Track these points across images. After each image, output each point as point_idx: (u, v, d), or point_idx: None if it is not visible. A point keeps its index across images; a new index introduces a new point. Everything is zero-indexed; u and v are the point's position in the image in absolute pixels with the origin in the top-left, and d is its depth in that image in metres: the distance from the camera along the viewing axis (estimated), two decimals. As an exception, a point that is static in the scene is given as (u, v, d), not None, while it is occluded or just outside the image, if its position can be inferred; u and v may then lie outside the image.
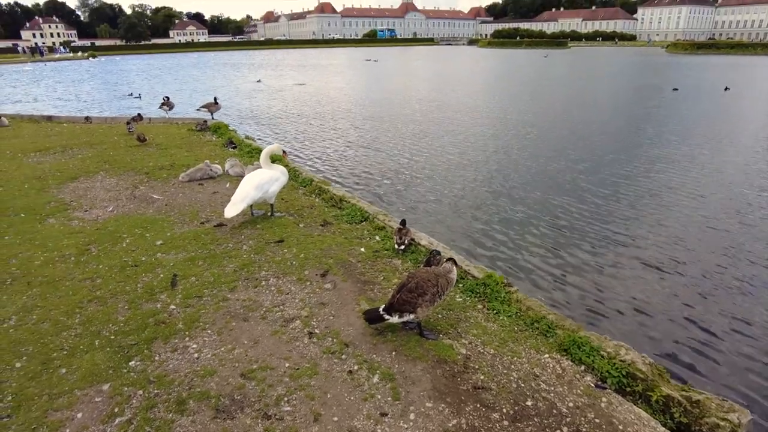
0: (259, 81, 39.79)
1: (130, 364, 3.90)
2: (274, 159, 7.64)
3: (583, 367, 4.13)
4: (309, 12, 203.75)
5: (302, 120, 20.20)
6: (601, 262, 7.31)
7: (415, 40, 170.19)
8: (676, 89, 29.74)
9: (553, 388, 3.83)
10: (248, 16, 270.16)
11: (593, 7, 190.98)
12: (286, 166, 7.79)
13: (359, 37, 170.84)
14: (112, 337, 4.23)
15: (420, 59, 77.15)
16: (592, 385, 3.92)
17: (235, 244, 6.17)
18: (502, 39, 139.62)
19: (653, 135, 16.50)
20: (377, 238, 6.49)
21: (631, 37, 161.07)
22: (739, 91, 29.01)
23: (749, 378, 4.94)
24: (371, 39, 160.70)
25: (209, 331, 4.34)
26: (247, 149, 11.62)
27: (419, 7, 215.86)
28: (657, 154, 13.78)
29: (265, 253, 5.90)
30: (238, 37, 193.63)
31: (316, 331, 4.37)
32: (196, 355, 4.03)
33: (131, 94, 29.80)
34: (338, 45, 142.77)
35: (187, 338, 4.24)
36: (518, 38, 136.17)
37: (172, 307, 4.71)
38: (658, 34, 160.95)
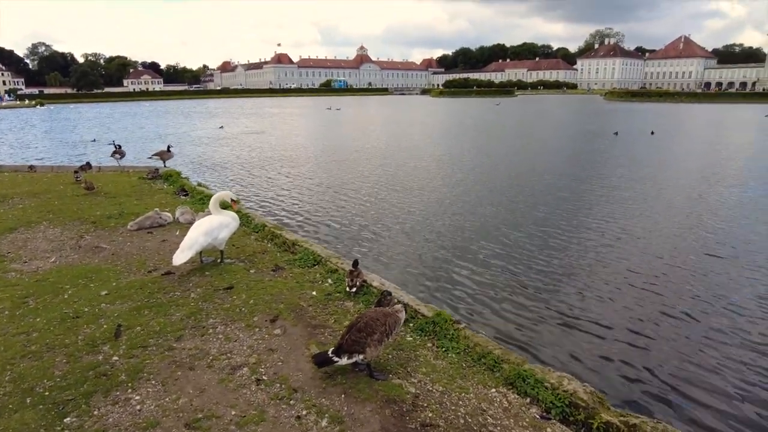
0: (221, 127, 39.85)
1: (65, 420, 3.71)
2: (225, 206, 7.64)
3: (528, 399, 4.25)
4: (266, 62, 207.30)
5: (259, 166, 20.26)
6: (544, 296, 7.59)
7: (370, 90, 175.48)
8: (616, 133, 32.41)
9: (499, 422, 3.91)
10: (204, 66, 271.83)
11: (537, 59, 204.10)
12: (237, 212, 7.80)
13: (316, 87, 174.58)
14: (47, 393, 4.03)
15: (379, 107, 79.45)
16: (538, 416, 4.04)
17: (182, 292, 6.06)
18: (453, 88, 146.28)
19: (596, 175, 17.51)
20: (330, 281, 6.53)
21: (573, 86, 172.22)
22: (663, 135, 32.18)
23: (681, 399, 5.18)
24: (327, 89, 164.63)
25: (153, 382, 4.21)
26: (200, 197, 11.53)
27: (373, 58, 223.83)
28: (600, 193, 14.59)
29: (213, 301, 5.81)
30: (194, 86, 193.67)
31: (264, 377, 4.31)
32: (138, 407, 3.89)
33: (94, 140, 30.00)
34: (295, 94, 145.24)
35: (129, 390, 4.09)
36: (469, 88, 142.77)
37: (115, 358, 4.55)
38: (596, 83, 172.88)
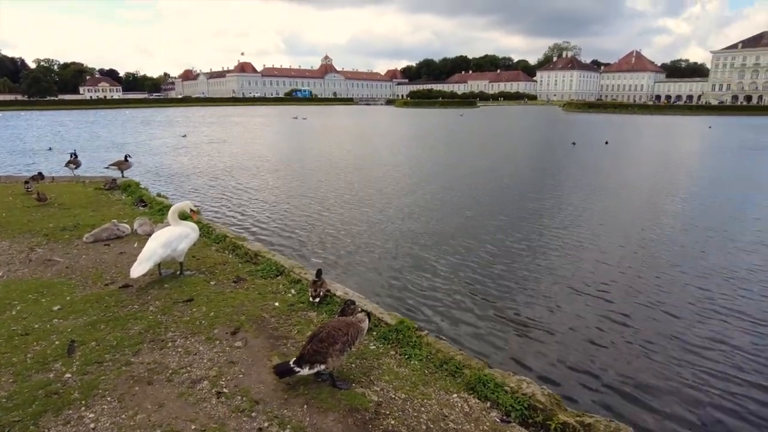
0: (184, 136, 39.05)
1: (13, 442, 3.56)
2: (185, 217, 7.50)
3: (489, 404, 4.35)
4: (229, 71, 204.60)
5: (221, 175, 19.92)
6: (503, 302, 7.77)
7: (335, 100, 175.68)
8: (574, 143, 33.59)
9: (461, 427, 3.99)
10: (165, 74, 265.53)
11: (498, 71, 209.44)
12: (197, 223, 7.67)
13: (280, 96, 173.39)
14: (-7, 414, 3.85)
15: (344, 117, 79.56)
16: (498, 420, 4.14)
17: (140, 305, 5.90)
18: (417, 99, 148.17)
19: (554, 184, 18.08)
20: (293, 291, 6.50)
21: (533, 97, 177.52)
22: (616, 145, 34.04)
23: (631, 398, 5.41)
24: (291, 98, 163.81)
25: (109, 398, 4.09)
26: (159, 207, 11.26)
27: (338, 68, 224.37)
28: (556, 201, 15.06)
29: (172, 314, 5.69)
30: (154, 94, 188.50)
31: (225, 390, 4.25)
32: (92, 425, 3.76)
33: (50, 149, 28.97)
34: (259, 103, 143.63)
35: (83, 408, 3.95)
36: (433, 99, 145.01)
37: (68, 375, 4.39)
38: (555, 95, 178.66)
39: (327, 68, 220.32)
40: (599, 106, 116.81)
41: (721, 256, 10.09)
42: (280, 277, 7.02)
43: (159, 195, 13.26)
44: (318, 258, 9.87)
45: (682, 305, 7.76)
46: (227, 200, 15.43)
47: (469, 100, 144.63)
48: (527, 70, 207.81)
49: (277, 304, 6.06)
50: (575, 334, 6.81)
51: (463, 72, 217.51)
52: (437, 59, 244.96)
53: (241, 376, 4.49)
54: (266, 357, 4.82)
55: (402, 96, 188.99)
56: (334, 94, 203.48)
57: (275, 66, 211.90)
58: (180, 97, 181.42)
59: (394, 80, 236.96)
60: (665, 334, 6.84)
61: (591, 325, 7.10)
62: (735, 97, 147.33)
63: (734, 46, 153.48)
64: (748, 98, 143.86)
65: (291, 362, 4.19)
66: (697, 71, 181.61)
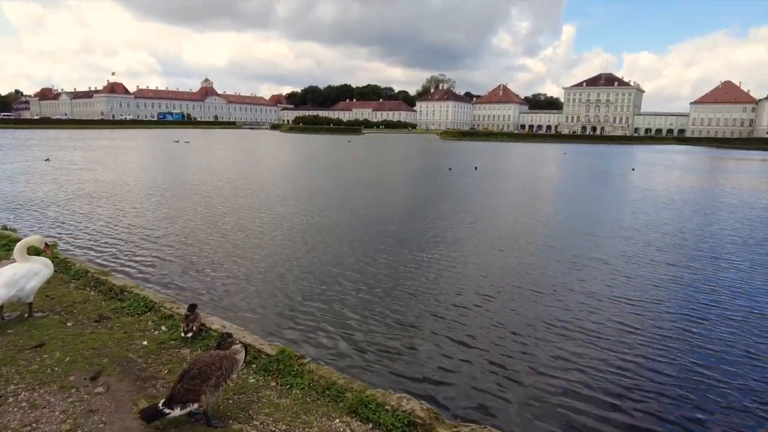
0: (47, 160, 34.70)
1: None
2: (37, 252, 6.67)
3: (371, 425, 4.40)
4: (97, 91, 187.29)
5: (84, 203, 17.92)
6: (388, 324, 7.97)
7: (216, 123, 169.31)
8: (450, 169, 35.99)
9: (342, 452, 3.98)
10: (17, 92, 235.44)
11: (381, 100, 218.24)
12: (53, 258, 6.85)
13: (154, 119, 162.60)
14: None
15: (228, 140, 76.61)
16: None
17: (-26, 357, 5.08)
18: (303, 125, 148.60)
19: (429, 208, 19.11)
20: (163, 328, 6.04)
21: (413, 126, 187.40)
22: (485, 170, 37.09)
23: (506, 404, 5.84)
24: (163, 121, 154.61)
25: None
26: (4, 242, 9.85)
27: (219, 91, 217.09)
28: (432, 224, 15.91)
29: (17, 363, 4.97)
30: (3, 114, 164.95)
31: (81, 444, 3.81)
32: None
33: None
34: (131, 126, 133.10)
35: None
36: (319, 125, 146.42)
37: None
38: (433, 124, 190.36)
39: (207, 91, 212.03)
40: (472, 134, 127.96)
41: (568, 273, 11.38)
42: (149, 313, 6.49)
43: (5, 228, 11.62)
44: (193, 291, 9.27)
45: (549, 321, 8.58)
46: (90, 231, 13.89)
47: (354, 127, 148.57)
48: (407, 100, 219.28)
49: (145, 342, 5.59)
50: (451, 349, 7.17)
51: (347, 100, 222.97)
52: (322, 86, 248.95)
53: (101, 425, 4.05)
54: (132, 401, 4.41)
55: (288, 121, 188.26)
56: (215, 117, 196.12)
57: (150, 87, 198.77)
58: (37, 117, 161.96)
59: (278, 105, 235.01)
60: (526, 344, 7.50)
61: (463, 341, 7.54)
62: (584, 128, 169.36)
63: (580, 84, 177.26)
64: (594, 129, 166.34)
65: (160, 404, 3.88)
66: (553, 104, 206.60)
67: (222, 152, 51.59)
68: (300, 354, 5.37)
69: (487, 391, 6.11)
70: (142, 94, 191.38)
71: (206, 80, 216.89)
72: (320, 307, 8.58)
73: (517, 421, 5.54)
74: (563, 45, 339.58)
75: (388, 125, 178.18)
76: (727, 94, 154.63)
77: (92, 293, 7.24)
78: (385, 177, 32.03)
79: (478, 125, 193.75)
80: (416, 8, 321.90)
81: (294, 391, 4.81)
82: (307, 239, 13.51)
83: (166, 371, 5.00)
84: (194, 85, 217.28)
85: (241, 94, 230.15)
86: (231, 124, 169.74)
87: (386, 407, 4.54)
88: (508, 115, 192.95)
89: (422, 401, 4.78)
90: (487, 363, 6.81)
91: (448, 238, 14.00)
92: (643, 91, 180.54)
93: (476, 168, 37.46)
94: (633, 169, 42.39)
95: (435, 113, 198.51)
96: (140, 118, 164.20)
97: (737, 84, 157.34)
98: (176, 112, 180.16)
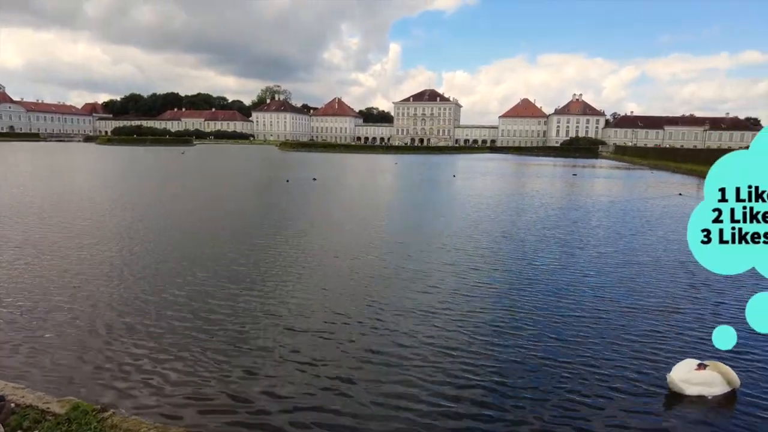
0: None
1: None
2: None
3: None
4: None
5: None
6: (209, 356, 7.46)
7: (12, 135, 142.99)
8: (288, 180, 35.72)
9: None
10: None
11: (213, 109, 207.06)
12: None
13: None
14: None
15: (32, 155, 64.87)
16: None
17: None
18: (124, 136, 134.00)
19: (267, 222, 18.63)
20: None
21: (251, 136, 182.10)
22: (323, 180, 37.83)
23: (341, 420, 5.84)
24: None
25: None
26: None
27: (16, 98, 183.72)
28: (275, 238, 15.50)
29: None
30: None
31: None
32: None
33: None
34: None
35: None
36: (143, 136, 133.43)
37: None
38: (272, 135, 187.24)
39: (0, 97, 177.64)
40: (311, 145, 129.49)
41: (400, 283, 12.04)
42: None
43: None
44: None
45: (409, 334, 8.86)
46: None
47: (184, 137, 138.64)
48: (243, 110, 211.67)
49: None
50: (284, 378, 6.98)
51: (176, 109, 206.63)
52: (146, 94, 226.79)
53: None
54: None
55: (106, 132, 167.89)
56: (11, 128, 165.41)
57: None
58: None
59: (94, 114, 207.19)
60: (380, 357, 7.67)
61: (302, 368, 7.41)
62: (413, 140, 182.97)
63: (407, 99, 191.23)
64: (421, 140, 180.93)
65: None
66: (385, 117, 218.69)
67: (18, 169, 43.56)
68: (101, 406, 4.65)
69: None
70: None
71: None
72: (132, 345, 7.62)
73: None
74: (391, 61, 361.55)
75: (223, 135, 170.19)
76: (525, 109, 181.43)
77: None
78: (219, 192, 30.32)
79: (317, 137, 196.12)
80: (247, 20, 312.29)
81: (92, 454, 4.14)
82: (122, 269, 12.00)
83: None
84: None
85: (45, 101, 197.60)
86: (34, 136, 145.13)
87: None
88: (344, 127, 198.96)
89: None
90: (325, 391, 6.75)
91: (289, 250, 13.72)
92: (461, 106, 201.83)
93: (314, 179, 37.72)
94: (454, 176, 46.93)
95: (273, 124, 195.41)
96: None
97: (533, 101, 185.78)
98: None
